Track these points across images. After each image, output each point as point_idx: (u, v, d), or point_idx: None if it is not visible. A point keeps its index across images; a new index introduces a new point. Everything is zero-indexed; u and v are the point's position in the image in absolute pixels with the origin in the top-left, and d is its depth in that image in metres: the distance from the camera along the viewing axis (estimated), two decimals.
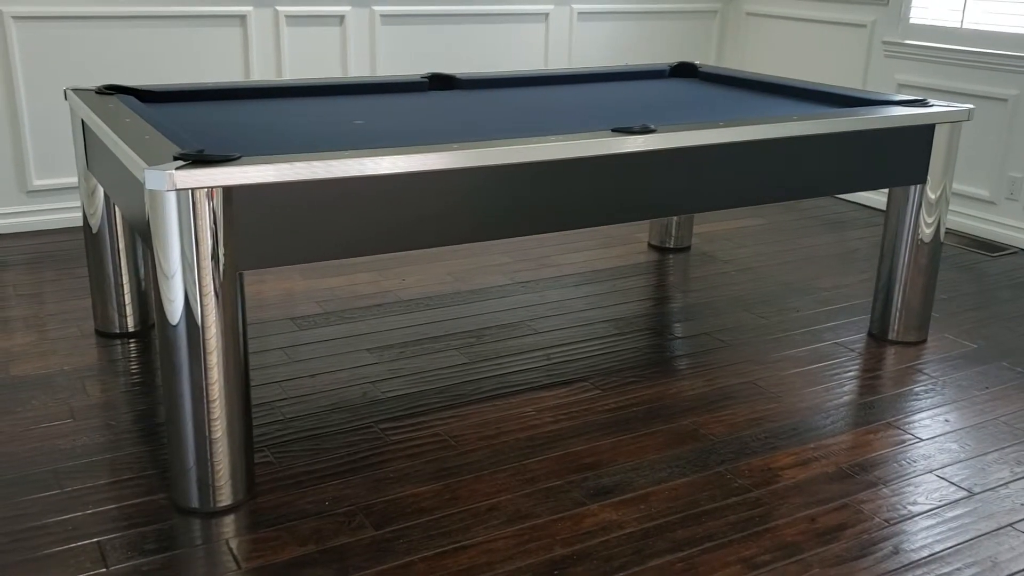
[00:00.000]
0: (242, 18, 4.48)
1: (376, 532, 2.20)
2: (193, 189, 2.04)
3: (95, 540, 2.15)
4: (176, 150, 2.17)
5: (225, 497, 2.28)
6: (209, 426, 2.22)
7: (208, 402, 2.21)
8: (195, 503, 2.27)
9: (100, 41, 4.25)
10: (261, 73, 4.59)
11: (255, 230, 2.16)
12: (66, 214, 4.39)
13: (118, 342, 3.20)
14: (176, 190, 2.02)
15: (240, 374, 2.25)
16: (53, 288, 3.67)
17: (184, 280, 2.10)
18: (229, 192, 2.09)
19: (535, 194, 2.49)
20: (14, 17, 4.06)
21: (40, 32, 4.14)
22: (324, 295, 3.66)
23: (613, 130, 2.59)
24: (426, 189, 2.34)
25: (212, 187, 2.06)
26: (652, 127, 2.61)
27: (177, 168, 2.02)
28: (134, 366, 3.02)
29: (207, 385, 2.20)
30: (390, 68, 4.89)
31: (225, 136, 2.58)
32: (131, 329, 3.25)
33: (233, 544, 2.15)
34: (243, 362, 2.25)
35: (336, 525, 2.23)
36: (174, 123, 2.71)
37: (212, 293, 2.13)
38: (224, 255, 2.12)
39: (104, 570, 2.05)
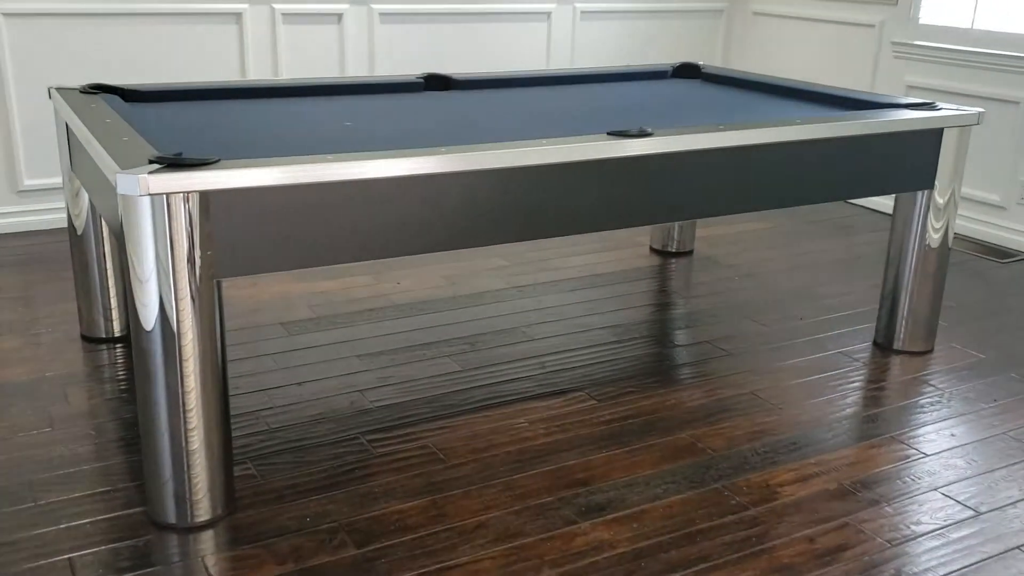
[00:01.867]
0: (238, 16, 4.41)
1: (358, 551, 2.12)
2: (168, 194, 1.96)
3: (66, 556, 2.07)
4: (152, 153, 2.09)
5: (203, 512, 2.20)
6: (186, 437, 2.14)
7: (184, 411, 2.13)
8: (172, 518, 2.19)
9: (92, 39, 4.18)
10: (257, 72, 4.51)
11: (234, 236, 2.08)
12: (57, 215, 4.32)
13: (104, 347, 3.12)
14: (150, 195, 1.94)
15: (218, 382, 2.16)
16: (42, 290, 3.60)
17: (159, 286, 2.02)
18: (206, 197, 2.01)
19: (528, 199, 2.40)
20: (4, 14, 3.99)
21: (31, 29, 4.07)
22: (317, 299, 3.59)
23: (609, 133, 2.50)
24: (414, 194, 2.26)
25: (188, 192, 1.98)
26: (649, 130, 2.53)
27: (151, 172, 1.94)
28: (119, 372, 2.95)
29: (183, 393, 2.12)
30: (389, 67, 4.81)
31: (208, 138, 2.51)
32: (117, 334, 3.18)
33: (209, 562, 2.07)
34: (221, 370, 2.17)
35: (317, 543, 2.14)
36: (157, 124, 2.64)
37: (188, 299, 2.05)
38: (200, 261, 2.04)
39: None
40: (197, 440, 2.16)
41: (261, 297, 3.59)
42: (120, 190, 1.94)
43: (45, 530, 2.16)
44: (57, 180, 4.28)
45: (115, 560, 2.07)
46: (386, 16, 4.73)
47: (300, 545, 2.13)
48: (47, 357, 3.03)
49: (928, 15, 4.79)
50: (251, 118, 2.80)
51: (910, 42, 4.82)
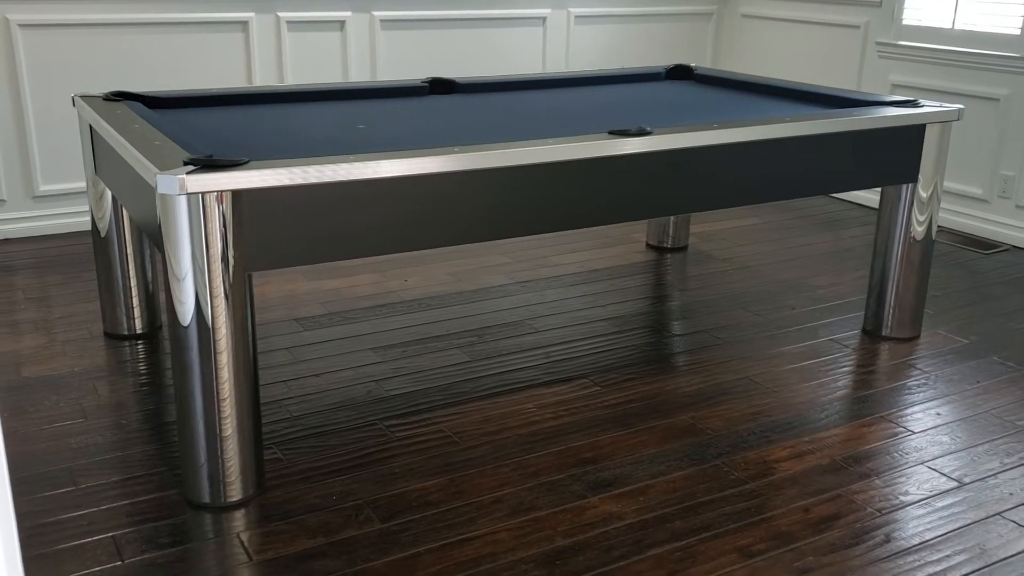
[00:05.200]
0: (244, 24, 4.55)
1: (383, 525, 2.27)
2: (203, 193, 2.10)
3: (110, 535, 2.22)
4: (185, 155, 2.23)
5: (236, 492, 2.34)
6: (220, 424, 2.29)
7: (219, 400, 2.27)
8: (207, 498, 2.33)
9: (104, 48, 4.32)
10: (263, 78, 4.66)
11: (263, 232, 2.22)
12: (72, 219, 4.45)
13: (127, 344, 3.26)
14: (187, 194, 2.09)
15: (249, 373, 2.31)
16: (60, 291, 3.73)
17: (195, 282, 2.16)
18: (238, 195, 2.15)
19: (534, 195, 2.55)
20: (20, 25, 4.13)
21: (45, 39, 4.20)
22: (327, 296, 3.73)
23: (610, 132, 2.66)
24: (428, 191, 2.40)
25: (222, 191, 2.12)
26: (648, 129, 2.68)
27: (188, 173, 2.09)
28: (143, 367, 3.09)
29: (218, 384, 2.26)
30: (390, 72, 4.96)
31: (232, 141, 2.65)
32: (139, 331, 3.32)
33: (244, 537, 2.22)
34: (252, 361, 2.31)
35: (344, 518, 2.29)
36: (181, 129, 2.78)
37: (222, 294, 2.19)
38: (233, 257, 2.18)
39: (120, 563, 2.11)
40: (230, 426, 2.30)
41: (272, 295, 3.73)
42: (160, 189, 2.08)
43: (88, 511, 2.30)
44: (71, 185, 4.41)
45: (156, 536, 2.21)
46: (387, 23, 4.87)
47: (328, 521, 2.28)
48: (74, 354, 3.17)
49: (911, 16, 4.96)
50: (269, 122, 2.94)
51: (894, 42, 4.99)
